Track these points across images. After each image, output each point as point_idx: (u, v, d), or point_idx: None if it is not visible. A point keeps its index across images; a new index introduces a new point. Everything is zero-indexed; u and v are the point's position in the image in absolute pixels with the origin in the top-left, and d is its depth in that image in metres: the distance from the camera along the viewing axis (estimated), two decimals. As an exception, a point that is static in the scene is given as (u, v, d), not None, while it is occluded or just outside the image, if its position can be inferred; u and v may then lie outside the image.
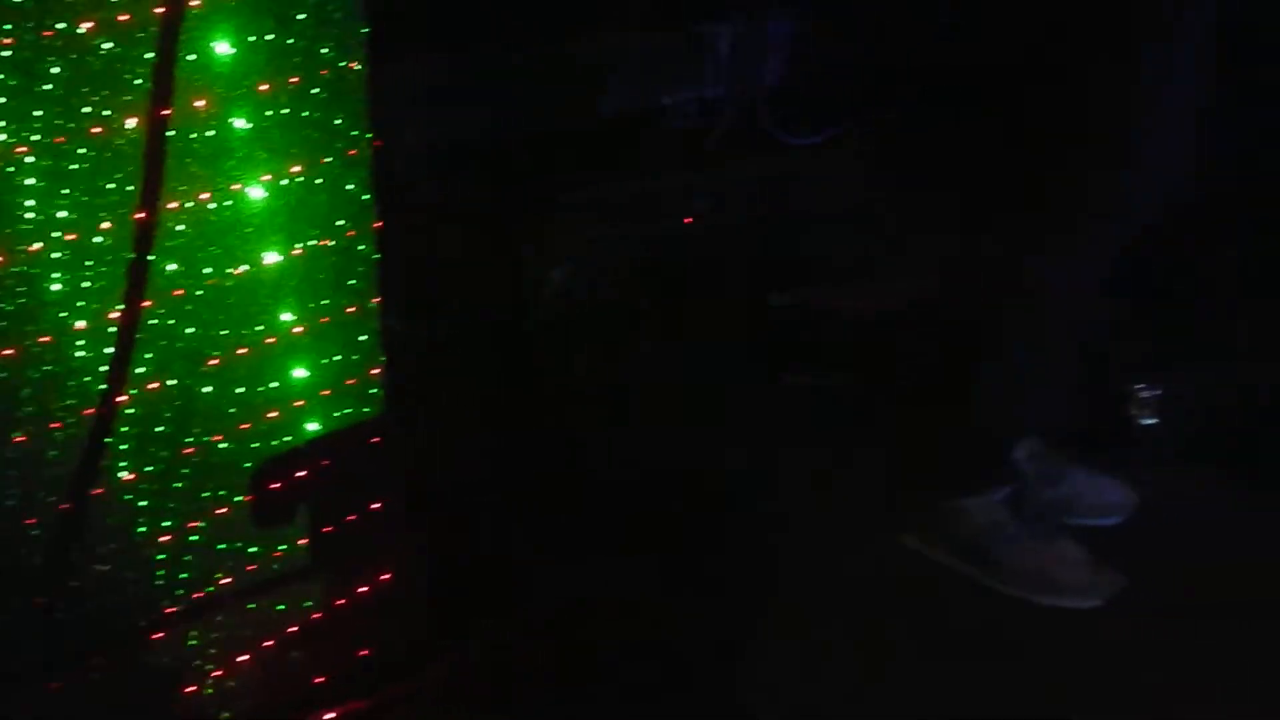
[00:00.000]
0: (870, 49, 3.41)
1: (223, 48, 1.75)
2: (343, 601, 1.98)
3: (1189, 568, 2.30)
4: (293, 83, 1.84)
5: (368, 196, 1.95)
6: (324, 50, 1.85)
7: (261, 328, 1.87)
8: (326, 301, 1.92)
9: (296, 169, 1.86)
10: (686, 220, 2.46)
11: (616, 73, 2.99)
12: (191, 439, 1.85)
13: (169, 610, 1.86)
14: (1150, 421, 2.57)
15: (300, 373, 1.92)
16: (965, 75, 2.45)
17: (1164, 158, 2.07)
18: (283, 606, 1.95)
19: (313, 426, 1.94)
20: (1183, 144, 2.10)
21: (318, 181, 1.89)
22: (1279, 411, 2.55)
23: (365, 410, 2.01)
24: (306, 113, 1.86)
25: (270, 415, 1.90)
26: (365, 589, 2.01)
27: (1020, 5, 2.11)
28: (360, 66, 1.90)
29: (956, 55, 2.78)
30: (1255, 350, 2.70)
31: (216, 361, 1.84)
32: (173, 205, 1.74)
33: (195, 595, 1.88)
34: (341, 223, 1.93)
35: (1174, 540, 2.38)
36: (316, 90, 1.86)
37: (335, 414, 1.96)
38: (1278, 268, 2.84)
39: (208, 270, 1.80)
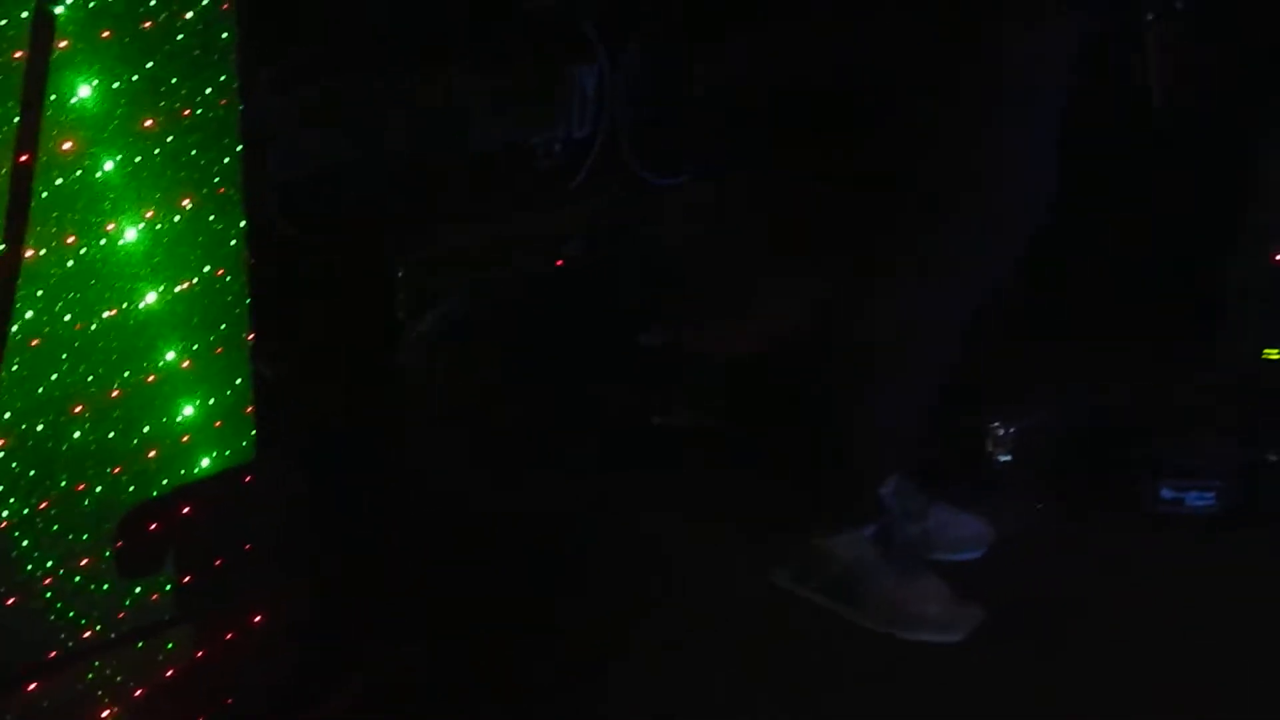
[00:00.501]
0: (731, 90, 3.48)
1: (89, 89, 1.70)
2: (218, 644, 1.93)
3: (1046, 601, 2.38)
4: (161, 123, 1.80)
5: (238, 236, 1.92)
6: (194, 89, 1.82)
7: (130, 372, 1.82)
8: (197, 345, 1.88)
9: (166, 209, 1.82)
10: (557, 262, 2.47)
11: (482, 113, 2.98)
12: (59, 485, 1.79)
13: (49, 656, 1.79)
14: (1006, 458, 2.65)
15: (174, 415, 1.88)
16: (821, 116, 2.51)
17: (1022, 198, 2.14)
18: (157, 651, 1.90)
19: (189, 469, 1.90)
20: (1042, 183, 2.17)
21: (188, 221, 1.85)
22: (1129, 445, 2.65)
23: (239, 452, 1.98)
24: (177, 152, 1.82)
25: (145, 459, 1.85)
26: (241, 631, 1.96)
27: (871, 47, 2.16)
28: (230, 104, 1.87)
29: (811, 96, 2.85)
30: (1104, 386, 2.80)
31: (82, 408, 1.79)
32: (33, 252, 1.69)
33: (72, 641, 1.81)
34: (212, 263, 1.90)
35: (1031, 574, 2.46)
36: (186, 129, 1.83)
37: (210, 456, 1.92)
38: (1126, 302, 2.97)
39: (71, 316, 1.75)
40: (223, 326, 1.91)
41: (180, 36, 1.82)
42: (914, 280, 2.17)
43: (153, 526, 1.87)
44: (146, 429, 1.84)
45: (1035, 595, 2.39)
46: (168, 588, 1.92)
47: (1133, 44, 1.97)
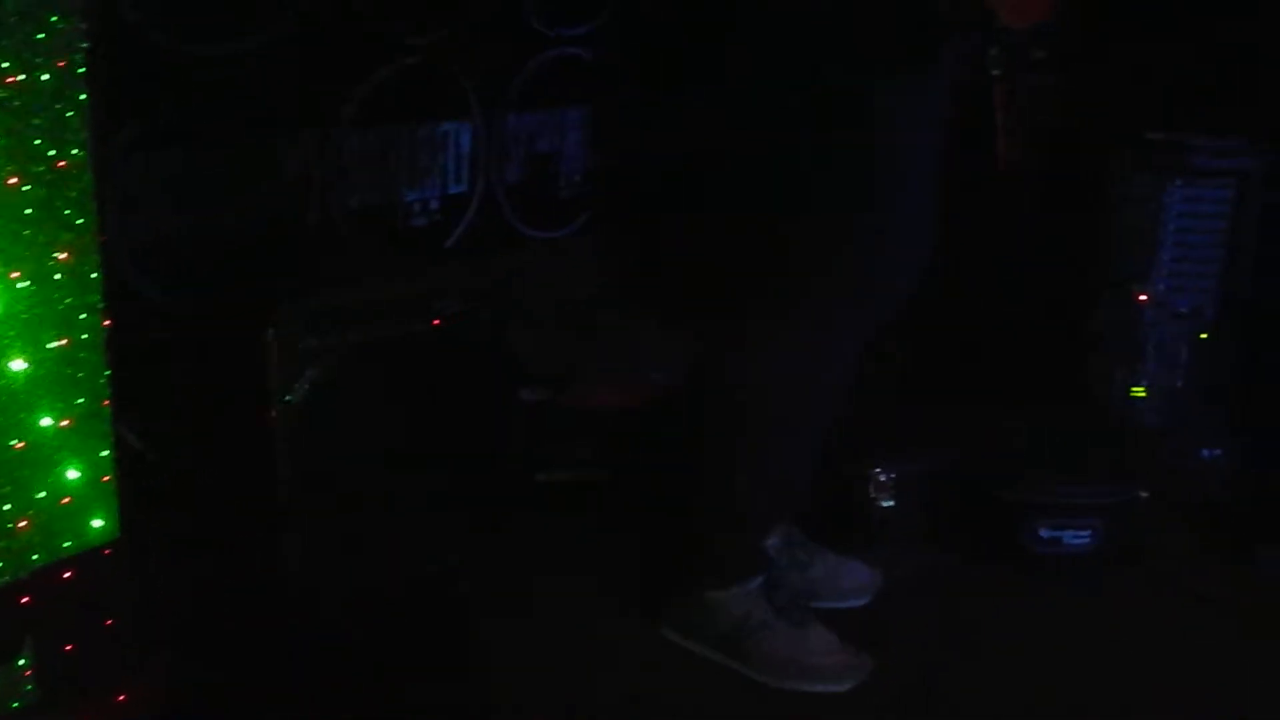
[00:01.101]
0: (607, 146, 3.49)
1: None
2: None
3: (932, 645, 2.38)
4: (10, 183, 1.72)
5: (95, 300, 1.83)
6: (41, 146, 1.74)
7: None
8: (48, 420, 1.79)
9: (15, 274, 1.73)
10: (434, 322, 2.41)
11: (356, 170, 2.93)
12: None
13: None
14: (888, 503, 2.65)
15: (29, 492, 1.78)
16: (692, 170, 2.51)
17: (900, 250, 2.14)
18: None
19: (53, 544, 1.80)
20: (921, 234, 2.18)
21: (39, 284, 1.76)
22: (1007, 487, 2.67)
23: (100, 527, 1.88)
24: (28, 210, 1.74)
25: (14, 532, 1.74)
26: (102, 712, 1.86)
27: (742, 109, 2.16)
28: (82, 161, 1.79)
29: (681, 150, 2.85)
30: (981, 429, 2.82)
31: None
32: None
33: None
34: (68, 329, 1.81)
35: (916, 618, 2.46)
36: (33, 188, 1.74)
37: (68, 531, 1.82)
38: (999, 346, 3.01)
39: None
40: (80, 399, 1.81)
41: (37, 98, 1.74)
42: (790, 333, 2.16)
43: (10, 609, 1.77)
44: (8, 506, 1.74)
45: (921, 640, 2.38)
46: (27, 672, 1.81)
47: (984, 100, 1.99)
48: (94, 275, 1.83)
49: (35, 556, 1.81)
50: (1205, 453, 2.91)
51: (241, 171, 2.66)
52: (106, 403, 1.86)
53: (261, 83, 2.66)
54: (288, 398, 2.21)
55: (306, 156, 2.83)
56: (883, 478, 2.64)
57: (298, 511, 2.21)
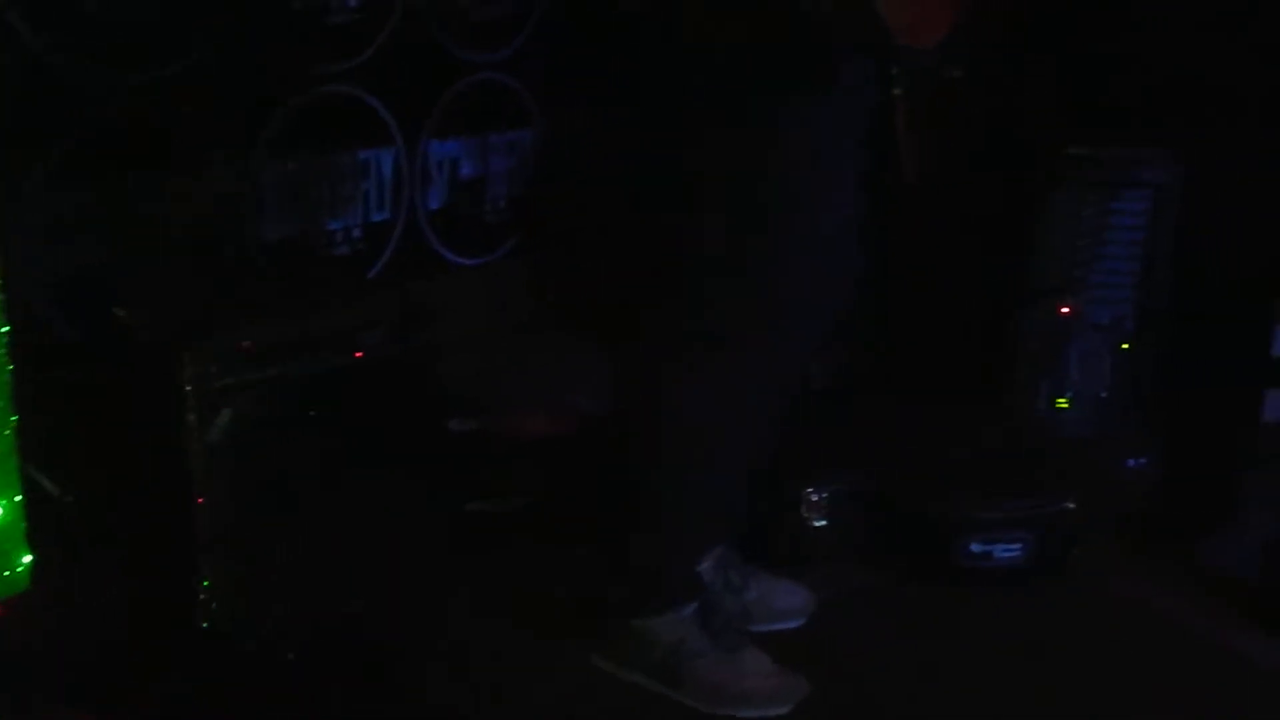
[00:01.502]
0: (530, 170, 3.46)
1: None
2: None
3: (867, 663, 2.36)
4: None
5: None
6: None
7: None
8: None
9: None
10: (356, 355, 2.36)
11: (275, 200, 2.88)
12: None
13: None
14: (821, 523, 2.64)
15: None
16: (609, 193, 2.49)
17: (820, 271, 2.13)
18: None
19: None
20: (842, 263, 2.17)
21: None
22: (937, 503, 2.66)
23: (8, 575, 1.82)
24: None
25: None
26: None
27: (664, 136, 2.14)
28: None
29: (597, 174, 2.83)
30: (910, 445, 2.82)
31: None
32: None
33: None
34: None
35: (851, 637, 2.44)
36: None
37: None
38: (925, 362, 3.01)
39: None
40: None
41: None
42: (712, 358, 2.14)
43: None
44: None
45: (856, 660, 2.37)
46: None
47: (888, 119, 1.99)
48: (-2, 316, 1.77)
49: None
50: (1130, 462, 2.92)
51: (154, 203, 2.60)
52: (15, 445, 1.80)
53: (174, 112, 2.60)
54: (205, 437, 2.15)
55: (222, 187, 2.77)
56: (815, 498, 2.62)
57: (216, 554, 2.15)
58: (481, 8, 3.29)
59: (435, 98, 3.27)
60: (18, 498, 1.83)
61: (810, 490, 2.61)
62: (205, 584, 2.13)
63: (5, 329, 1.76)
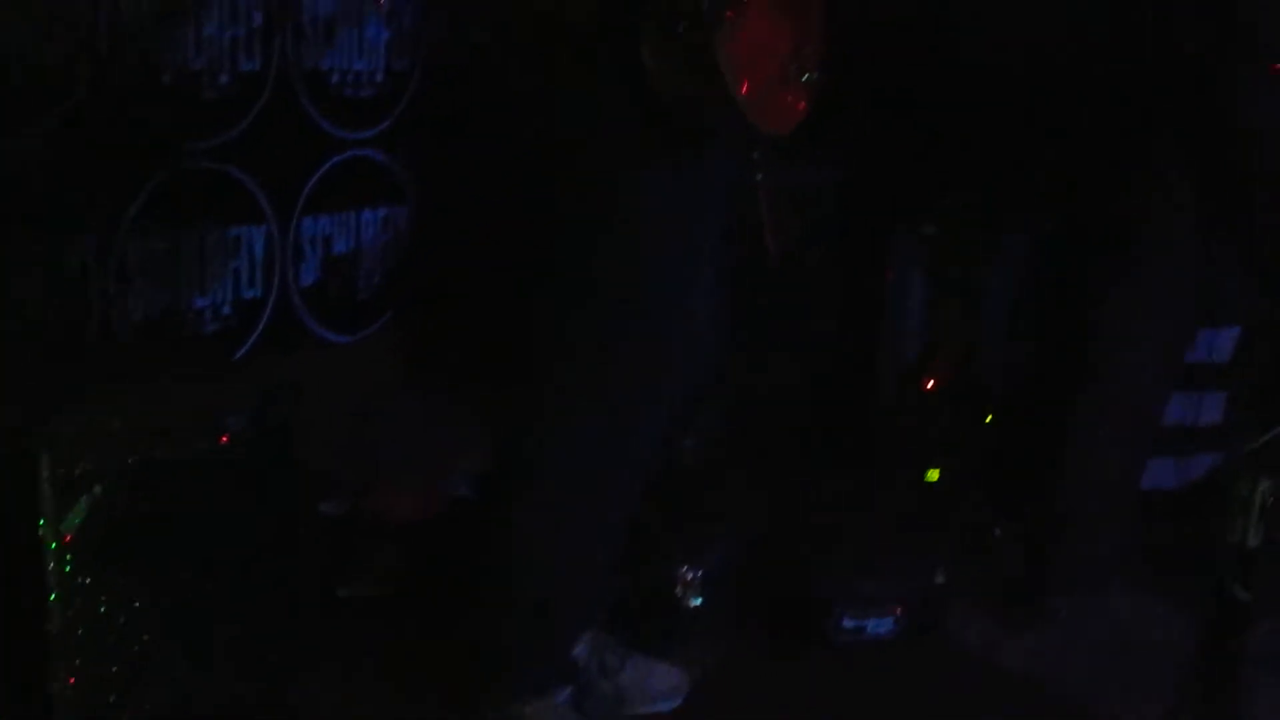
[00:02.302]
0: (402, 246, 3.43)
1: None
2: None
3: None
4: None
5: None
6: None
7: None
8: None
9: None
10: (222, 438, 2.29)
11: (141, 277, 2.80)
12: None
13: None
14: (696, 601, 2.62)
15: None
16: (480, 276, 2.47)
17: (682, 354, 2.13)
18: None
19: None
20: (703, 340, 2.17)
21: None
22: (810, 579, 2.67)
23: None
24: None
25: None
26: None
27: (527, 204, 2.13)
28: None
29: (470, 257, 2.81)
30: (782, 522, 2.83)
31: None
32: None
33: None
34: None
35: (725, 717, 2.42)
36: None
37: None
38: (791, 438, 3.03)
39: None
40: None
41: None
42: (577, 436, 2.12)
43: None
44: None
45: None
46: None
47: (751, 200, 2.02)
48: None
49: None
50: (997, 531, 2.97)
51: (13, 278, 2.51)
52: None
53: (36, 186, 2.52)
54: (62, 526, 2.06)
55: (85, 263, 2.69)
56: (689, 575, 2.61)
57: (74, 649, 2.05)
58: (354, 85, 3.27)
59: (308, 174, 3.23)
60: None
61: (684, 569, 2.60)
62: (63, 682, 2.03)
63: None
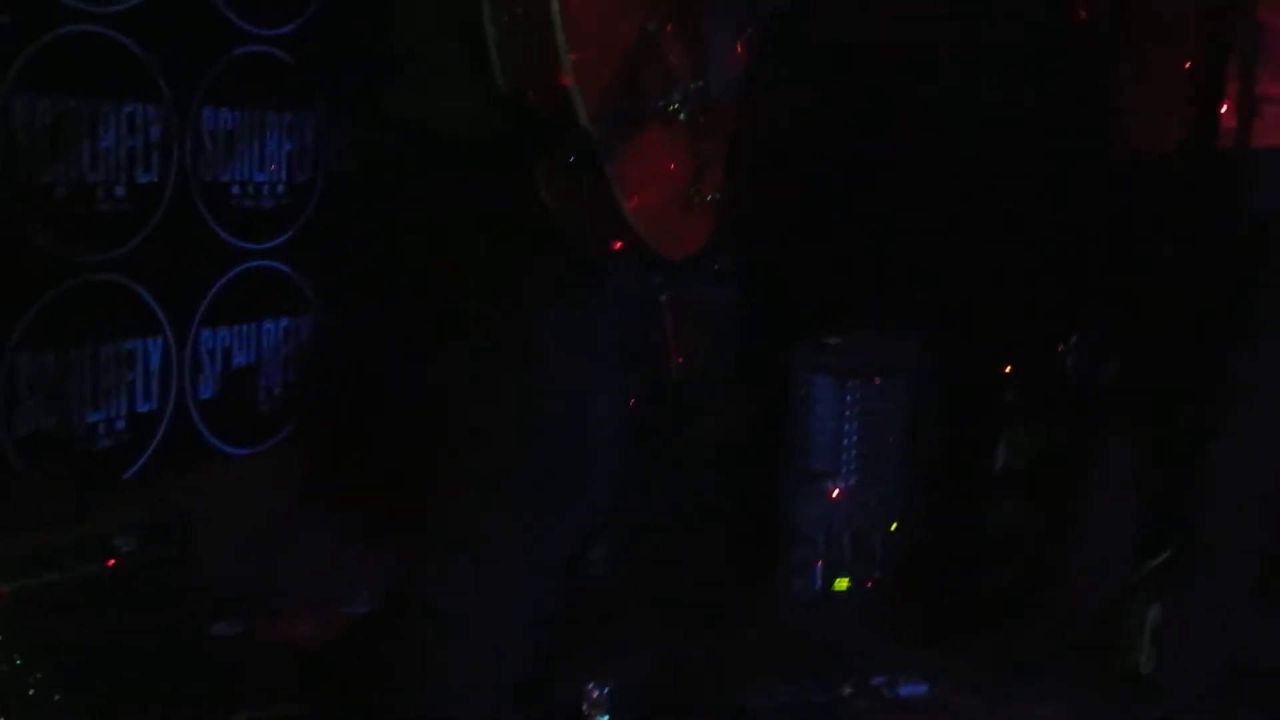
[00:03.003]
0: (306, 360, 3.37)
1: None
2: None
3: None
4: None
5: None
6: None
7: None
8: None
9: None
10: (109, 562, 2.21)
11: (29, 394, 2.72)
12: None
13: None
14: (602, 719, 2.56)
15: None
16: (383, 389, 2.43)
17: (586, 474, 2.10)
18: None
19: None
20: (606, 459, 2.15)
21: None
22: (716, 694, 2.63)
23: None
24: None
25: None
26: None
27: (425, 327, 2.11)
28: None
29: (373, 369, 2.77)
30: (688, 639, 2.79)
31: None
32: None
33: None
34: None
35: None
36: None
37: None
38: (699, 553, 3.01)
39: None
40: None
41: None
42: (477, 556, 2.07)
43: None
44: None
45: None
46: None
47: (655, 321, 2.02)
48: None
49: None
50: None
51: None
52: None
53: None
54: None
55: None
56: (595, 694, 2.55)
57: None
58: (255, 197, 3.24)
59: (207, 285, 3.18)
60: None
61: (591, 686, 2.54)
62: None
63: None
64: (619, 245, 1.71)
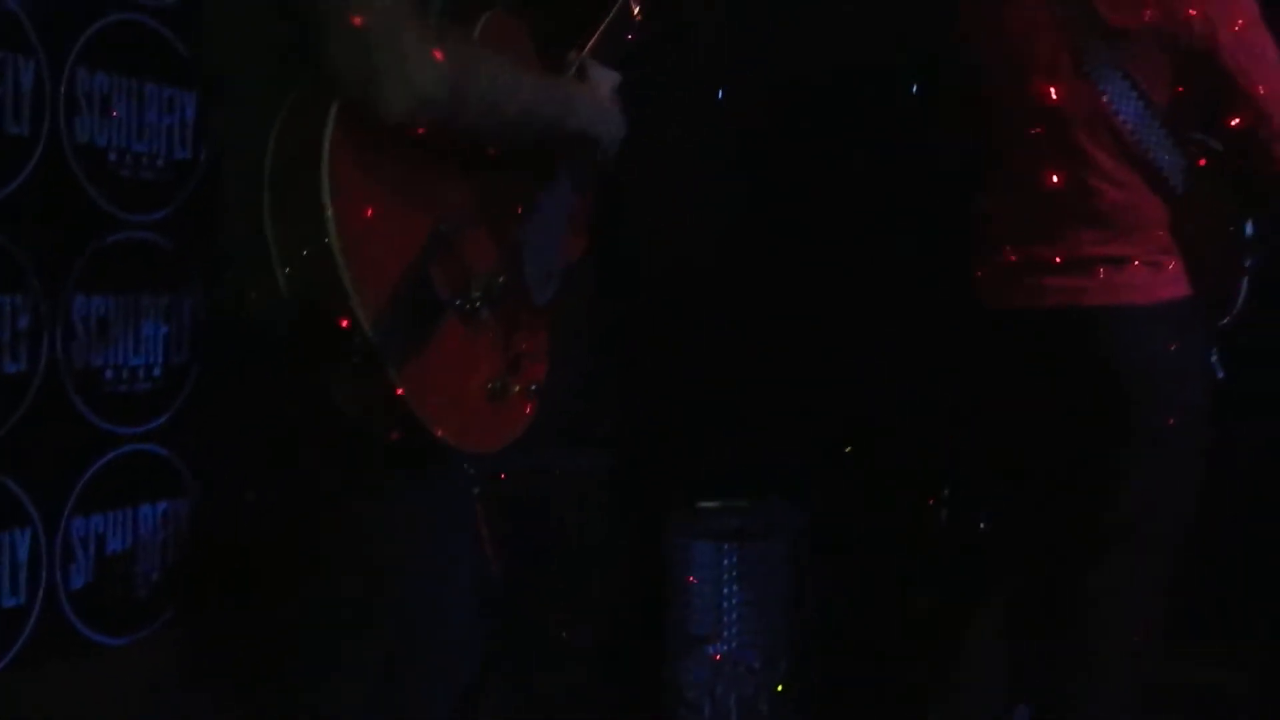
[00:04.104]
0: (185, 544, 3.29)
1: None
2: None
3: None
4: None
5: None
6: None
7: None
8: None
9: None
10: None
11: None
12: None
13: None
14: None
15: None
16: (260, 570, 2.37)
17: (435, 656, 2.05)
18: None
19: None
20: (461, 636, 2.11)
21: None
22: None
23: None
24: None
25: None
26: None
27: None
28: None
29: (252, 549, 2.70)
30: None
31: None
32: None
33: None
34: None
35: None
36: None
37: None
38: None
39: None
40: None
41: None
42: None
43: None
44: None
45: None
46: None
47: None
48: None
49: None
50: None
51: None
52: None
53: None
54: None
55: None
56: None
57: None
58: (129, 381, 3.20)
59: (79, 472, 3.11)
60: None
61: None
62: None
63: None
64: (396, 437, 1.67)
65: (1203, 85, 2.39)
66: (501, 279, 1.77)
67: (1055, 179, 2.44)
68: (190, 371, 3.30)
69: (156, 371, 3.27)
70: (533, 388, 1.83)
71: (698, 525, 2.96)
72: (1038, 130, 2.46)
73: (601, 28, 2.08)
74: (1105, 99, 2.38)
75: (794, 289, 3.09)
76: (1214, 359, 2.45)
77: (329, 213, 1.53)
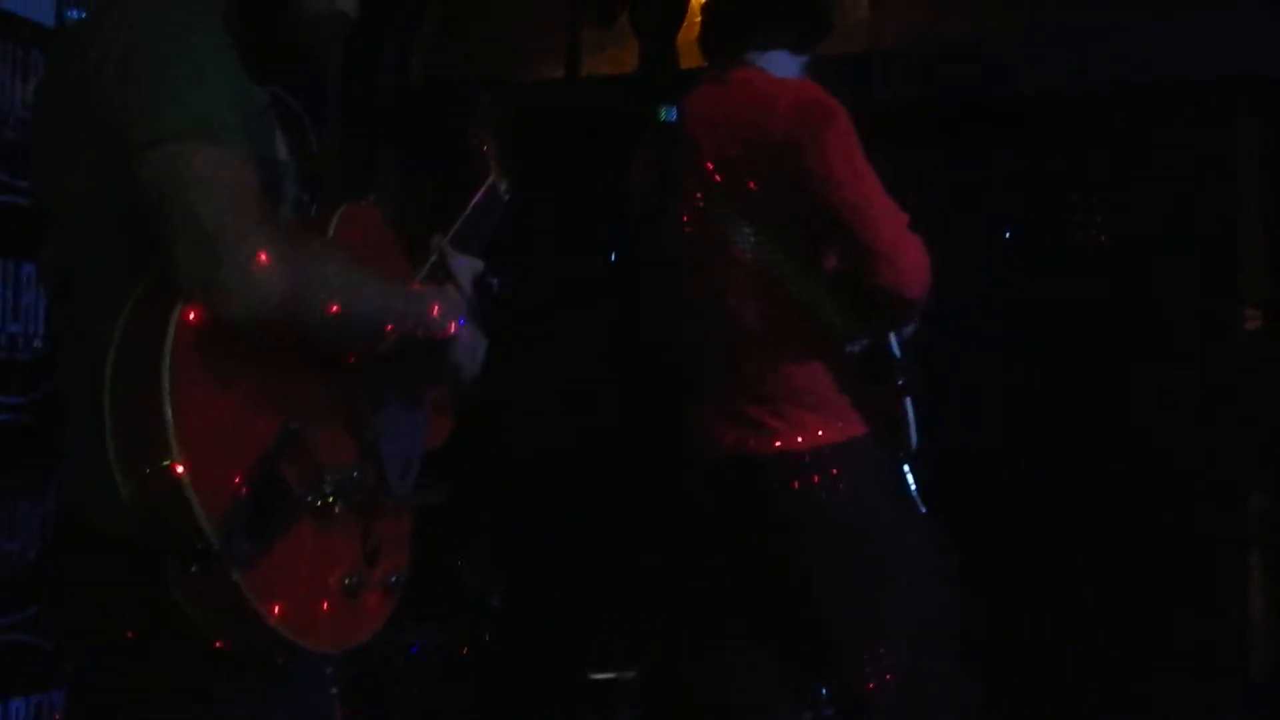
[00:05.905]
0: None
1: None
2: None
3: None
4: None
5: None
6: None
7: None
8: None
9: None
10: None
11: None
12: None
13: None
14: None
15: None
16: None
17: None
18: None
19: None
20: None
21: None
22: None
23: None
24: None
25: None
26: None
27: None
28: None
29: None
30: None
31: None
32: None
33: None
34: None
35: None
36: None
37: None
38: None
39: None
40: None
41: None
42: None
43: None
44: None
45: None
46: None
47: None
48: None
49: None
50: None
51: None
52: None
53: None
54: None
55: None
56: None
57: None
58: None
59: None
60: None
61: None
62: None
63: None
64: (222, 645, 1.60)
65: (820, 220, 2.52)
66: (355, 473, 1.73)
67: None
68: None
69: (31, 554, 3.15)
70: (393, 579, 1.78)
71: (590, 696, 2.88)
72: None
73: (465, 212, 2.08)
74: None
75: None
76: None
77: (168, 416, 1.49)
